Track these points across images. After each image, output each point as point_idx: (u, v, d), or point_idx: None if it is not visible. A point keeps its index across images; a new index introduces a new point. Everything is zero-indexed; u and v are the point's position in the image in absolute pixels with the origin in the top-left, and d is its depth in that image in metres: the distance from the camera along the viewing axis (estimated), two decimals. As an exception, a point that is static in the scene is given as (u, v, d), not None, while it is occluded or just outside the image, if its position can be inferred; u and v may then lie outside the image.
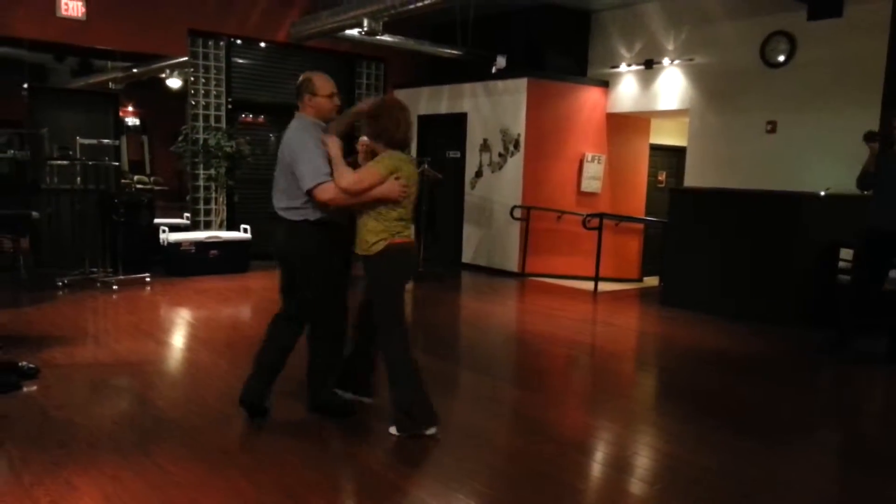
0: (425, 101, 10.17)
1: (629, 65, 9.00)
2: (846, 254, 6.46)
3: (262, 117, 9.60)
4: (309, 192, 3.42)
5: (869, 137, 5.33)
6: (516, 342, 6.00)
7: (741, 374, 5.01)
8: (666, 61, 8.55)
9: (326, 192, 3.38)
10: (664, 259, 7.78)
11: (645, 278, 9.75)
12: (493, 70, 9.37)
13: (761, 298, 6.53)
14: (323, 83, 3.60)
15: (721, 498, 2.99)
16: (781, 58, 7.51)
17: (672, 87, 8.59)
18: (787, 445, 3.70)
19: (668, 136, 10.58)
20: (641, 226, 9.69)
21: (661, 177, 10.77)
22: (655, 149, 10.29)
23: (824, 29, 7.14)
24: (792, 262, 6.43)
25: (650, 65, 8.72)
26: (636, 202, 9.92)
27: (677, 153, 10.18)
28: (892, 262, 5.38)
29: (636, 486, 3.11)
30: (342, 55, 9.89)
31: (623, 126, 9.56)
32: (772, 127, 7.60)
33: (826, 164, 7.16)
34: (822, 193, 6.80)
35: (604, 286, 8.29)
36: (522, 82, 8.87)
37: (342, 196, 3.37)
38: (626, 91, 9.16)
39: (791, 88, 7.46)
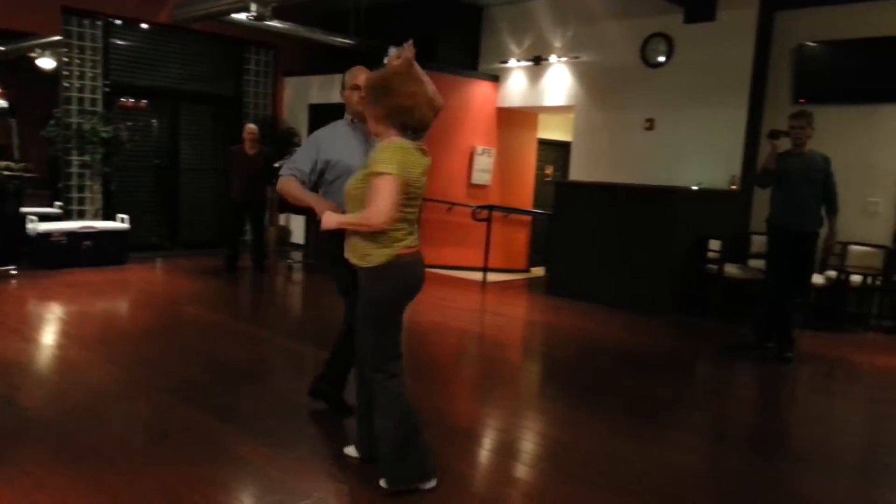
0: (317, 90, 10.01)
1: (519, 60, 9.19)
2: (715, 245, 6.89)
3: (143, 102, 9.13)
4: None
5: (773, 135, 5.34)
6: (405, 333, 6.01)
7: (623, 360, 5.25)
8: (553, 58, 8.80)
9: (280, 182, 3.37)
10: (550, 250, 8.03)
11: (532, 269, 10.01)
12: (385, 60, 9.31)
13: (640, 287, 6.87)
14: (350, 75, 3.48)
15: (603, 479, 3.13)
16: (660, 58, 7.88)
17: (559, 83, 8.84)
18: (666, 428, 3.92)
19: (555, 131, 10.90)
20: (529, 218, 9.94)
21: (549, 170, 11.09)
22: (543, 143, 10.58)
23: (699, 32, 7.55)
24: (667, 253, 6.79)
25: (538, 61, 8.95)
26: (524, 195, 10.16)
27: (563, 148, 10.51)
28: (803, 259, 5.41)
29: (521, 470, 3.21)
30: (230, 40, 9.56)
31: (512, 120, 9.77)
32: (650, 124, 7.98)
33: (699, 160, 7.59)
34: (695, 188, 7.22)
35: (493, 277, 8.46)
36: (414, 74, 8.86)
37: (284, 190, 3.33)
38: (516, 86, 9.36)
39: (668, 88, 7.85)
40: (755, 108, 7.34)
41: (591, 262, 7.21)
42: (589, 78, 8.55)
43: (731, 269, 6.82)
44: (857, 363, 5.57)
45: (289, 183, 3.33)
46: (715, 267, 6.80)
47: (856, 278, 6.58)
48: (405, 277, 2.81)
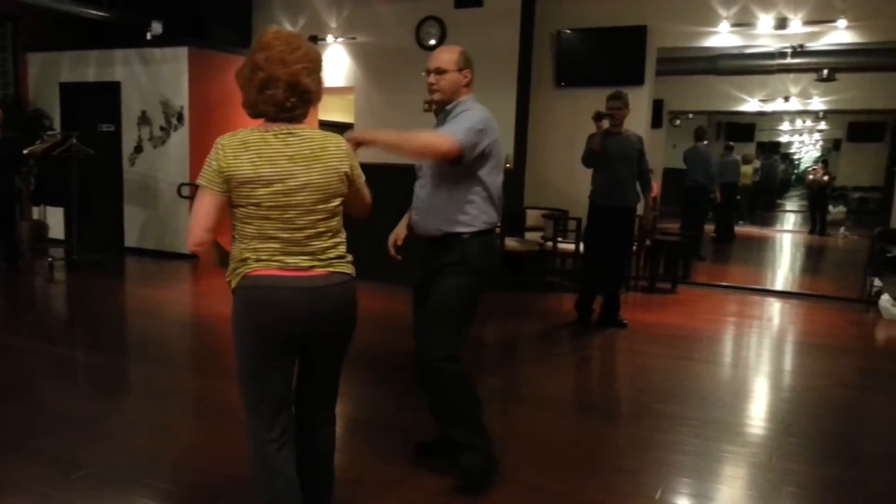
0: (68, 68, 9.03)
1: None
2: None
3: None
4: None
5: (598, 117, 5.52)
6: (194, 328, 5.71)
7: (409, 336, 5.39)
8: (330, 38, 8.71)
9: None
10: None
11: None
12: (149, 36, 8.63)
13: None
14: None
15: (410, 451, 3.21)
16: (433, 41, 8.11)
17: (337, 64, 8.78)
18: None
19: (336, 112, 10.84)
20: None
21: (332, 152, 11.01)
22: (325, 125, 10.48)
23: (468, 17, 7.88)
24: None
25: (315, 41, 8.80)
26: (309, 177, 10.01)
27: (345, 129, 10.49)
28: (620, 235, 5.73)
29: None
30: (-46, 8, 8.29)
31: (292, 101, 9.53)
32: (429, 106, 8.19)
33: (475, 140, 7.95)
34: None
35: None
36: (182, 51, 8.33)
37: None
38: (293, 66, 9.13)
39: (443, 70, 8.11)
40: (523, 92, 7.85)
41: (381, 242, 7.29)
42: (367, 59, 8.59)
43: (510, 243, 7.28)
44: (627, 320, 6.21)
45: None
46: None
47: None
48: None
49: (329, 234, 2.16)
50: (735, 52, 8.58)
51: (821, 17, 6.87)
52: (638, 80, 7.41)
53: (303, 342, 2.15)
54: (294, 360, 2.22)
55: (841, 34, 6.89)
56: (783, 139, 17.11)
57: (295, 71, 2.08)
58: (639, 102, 7.21)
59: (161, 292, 6.81)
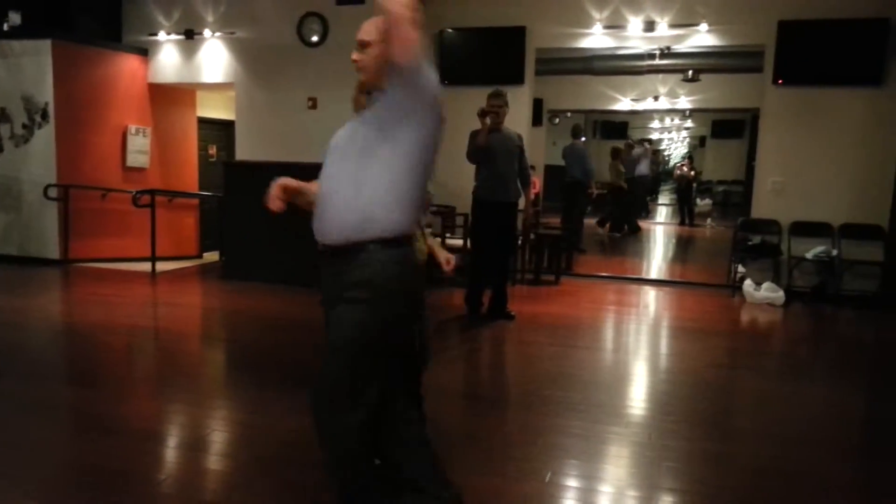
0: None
1: (169, 34, 8.60)
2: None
3: None
4: None
5: (483, 114, 5.64)
6: (67, 337, 5.38)
7: (309, 336, 5.32)
8: (207, 33, 8.41)
9: None
10: (222, 233, 7.78)
11: (205, 254, 9.59)
12: (6, 27, 8.04)
13: (308, 263, 6.98)
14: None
15: (306, 456, 3.17)
16: (315, 38, 8.01)
17: (215, 59, 8.50)
18: None
19: (216, 109, 10.47)
20: (196, 201, 9.48)
21: (213, 150, 10.65)
22: (205, 122, 10.11)
23: (351, 13, 7.81)
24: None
25: (191, 35, 8.48)
26: (188, 177, 9.64)
27: (227, 126, 10.17)
28: (504, 229, 5.84)
29: (217, 461, 3.11)
30: None
31: (168, 97, 9.15)
32: (312, 103, 8.10)
33: (361, 137, 7.92)
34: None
35: (162, 266, 7.93)
36: (45, 44, 7.80)
37: None
38: (168, 61, 8.76)
39: (327, 67, 8.02)
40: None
41: (268, 242, 7.14)
42: (247, 55, 8.36)
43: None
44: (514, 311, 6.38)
45: None
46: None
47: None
48: None
49: None
50: (608, 53, 9.01)
51: (684, 21, 7.32)
52: (518, 80, 7.63)
53: None
54: None
55: (703, 37, 7.37)
56: (654, 136, 18.07)
57: None
58: (520, 101, 7.42)
59: (28, 300, 6.36)
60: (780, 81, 7.10)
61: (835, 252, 6.95)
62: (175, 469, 3.07)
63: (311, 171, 6.98)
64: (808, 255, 7.02)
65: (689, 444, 3.42)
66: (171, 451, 3.27)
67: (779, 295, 6.77)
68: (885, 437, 3.79)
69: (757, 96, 8.02)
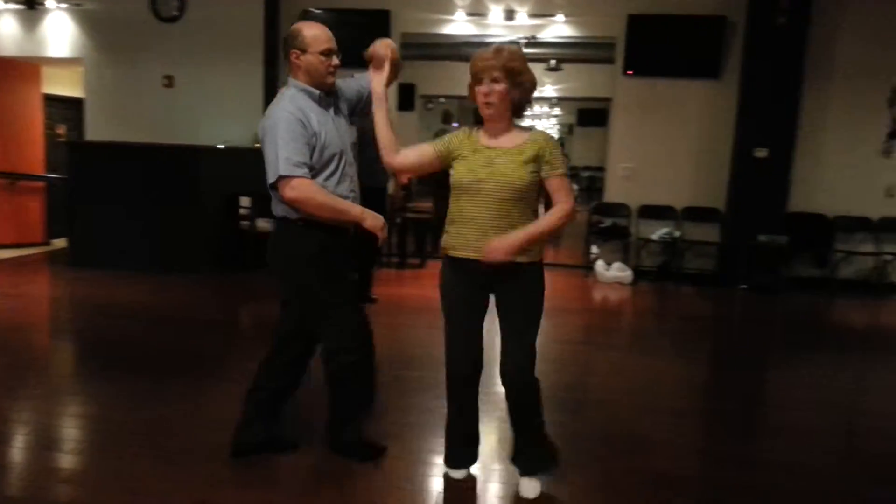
0: None
1: (7, 2, 7.96)
2: (245, 201, 7.13)
3: None
4: (272, 187, 2.63)
5: None
6: None
7: (163, 324, 5.14)
8: (51, 3, 7.86)
9: (298, 190, 2.58)
10: (70, 218, 7.32)
11: (53, 241, 8.98)
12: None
13: (173, 248, 6.75)
14: (319, 36, 2.71)
15: (157, 448, 3.08)
16: (174, 13, 7.67)
17: (61, 32, 7.96)
18: (221, 381, 4.04)
19: (66, 86, 9.78)
20: (42, 184, 8.84)
21: (61, 130, 9.95)
22: (52, 100, 9.42)
23: (209, -11, 7.56)
24: (198, 212, 6.80)
25: (33, 5, 7.89)
26: (33, 158, 8.95)
27: (77, 105, 9.54)
28: (376, 210, 5.86)
29: (67, 459, 2.96)
30: None
31: (7, 72, 8.45)
32: (169, 81, 7.77)
33: (223, 118, 7.70)
34: (221, 146, 7.33)
35: (2, 254, 7.39)
36: None
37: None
38: (7, 32, 8.12)
39: (185, 44, 7.71)
40: (271, 69, 7.72)
41: (119, 227, 6.81)
42: (97, 29, 7.89)
43: (262, 224, 7.15)
44: (379, 294, 6.41)
45: (312, 188, 2.61)
46: (247, 223, 7.05)
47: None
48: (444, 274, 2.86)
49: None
50: (476, 40, 9.16)
51: (543, 12, 7.60)
52: (384, 63, 7.64)
53: None
54: None
55: (560, 28, 7.68)
56: (524, 124, 18.60)
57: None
58: (385, 85, 7.43)
59: None
60: (629, 73, 7.52)
61: (678, 233, 7.49)
62: (20, 470, 2.90)
63: (168, 153, 6.72)
64: (654, 237, 7.53)
65: (546, 417, 3.58)
66: (15, 451, 3.08)
67: (627, 274, 7.22)
68: (718, 401, 4.16)
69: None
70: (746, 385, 4.44)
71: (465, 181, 2.59)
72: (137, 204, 6.73)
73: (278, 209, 2.77)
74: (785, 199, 7.26)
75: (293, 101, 2.68)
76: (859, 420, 3.97)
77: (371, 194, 5.91)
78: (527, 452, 2.79)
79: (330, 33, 2.75)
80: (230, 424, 3.06)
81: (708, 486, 2.96)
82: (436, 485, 2.87)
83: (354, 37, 8.17)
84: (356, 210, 2.73)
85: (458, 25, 7.77)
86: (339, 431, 2.99)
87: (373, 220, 2.72)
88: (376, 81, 2.79)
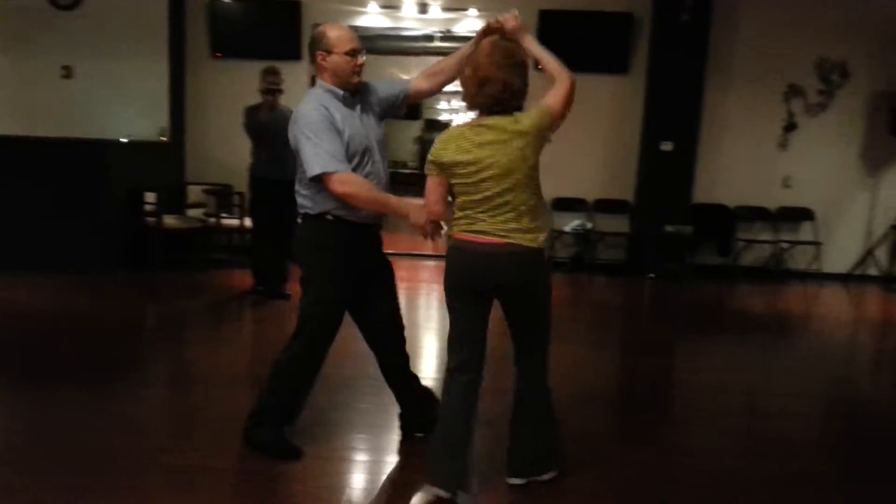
0: None
1: None
2: (151, 197, 6.84)
3: None
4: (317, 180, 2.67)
5: (267, 91, 5.61)
6: None
7: (67, 327, 4.87)
8: (-66, -13, 7.35)
9: (345, 184, 2.65)
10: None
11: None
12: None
13: (74, 247, 6.42)
14: (344, 37, 2.76)
15: (69, 460, 2.92)
16: (72, 0, 7.30)
17: (-53, 19, 7.46)
18: (137, 385, 3.88)
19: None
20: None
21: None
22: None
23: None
24: (100, 208, 6.49)
25: (-88, -11, 7.36)
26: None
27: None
28: (284, 208, 5.70)
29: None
30: None
31: None
32: (67, 72, 7.40)
33: (126, 111, 7.39)
34: (124, 140, 7.03)
35: None
36: None
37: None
38: None
39: (85, 34, 7.36)
40: (176, 60, 7.45)
41: (13, 226, 6.43)
42: (-12, 16, 7.43)
43: (170, 221, 6.91)
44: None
45: (360, 180, 2.68)
46: (153, 219, 6.78)
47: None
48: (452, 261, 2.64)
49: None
50: (392, 33, 9.10)
51: (455, 6, 7.61)
52: (295, 55, 7.47)
53: (487, 295, 2.61)
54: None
55: (474, 22, 7.70)
56: (443, 118, 18.62)
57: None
58: (297, 77, 7.27)
59: None
60: (539, 68, 7.61)
61: (589, 225, 7.67)
62: None
63: (68, 147, 6.40)
64: (567, 228, 7.68)
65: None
66: None
67: (542, 265, 7.33)
68: (627, 386, 4.28)
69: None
70: (654, 370, 4.59)
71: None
72: (36, 201, 6.37)
73: (307, 202, 2.81)
74: (690, 190, 7.54)
75: (319, 99, 2.75)
76: (758, 400, 4.16)
77: (279, 187, 5.75)
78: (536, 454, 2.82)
79: (354, 33, 2.82)
80: (140, 429, 2.94)
81: (622, 468, 3.04)
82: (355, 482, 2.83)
83: (267, 28, 8.04)
84: (400, 204, 2.73)
85: (371, 18, 7.69)
86: (258, 426, 2.95)
87: (416, 214, 2.66)
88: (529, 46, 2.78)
